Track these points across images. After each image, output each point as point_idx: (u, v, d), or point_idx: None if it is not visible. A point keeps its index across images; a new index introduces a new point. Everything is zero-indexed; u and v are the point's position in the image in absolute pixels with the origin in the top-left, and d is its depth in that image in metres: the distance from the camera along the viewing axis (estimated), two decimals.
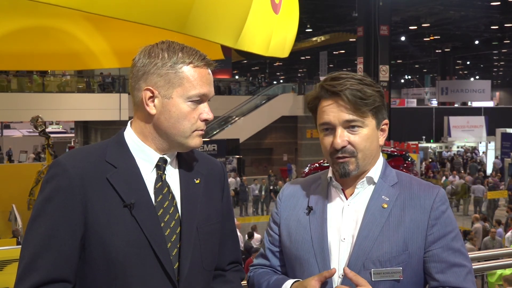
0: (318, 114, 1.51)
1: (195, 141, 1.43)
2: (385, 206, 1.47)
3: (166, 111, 1.38)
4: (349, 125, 1.45)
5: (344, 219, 1.49)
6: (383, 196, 1.49)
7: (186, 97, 1.38)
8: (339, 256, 1.47)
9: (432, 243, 1.45)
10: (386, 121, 1.52)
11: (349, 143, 1.45)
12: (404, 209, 1.47)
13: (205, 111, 1.42)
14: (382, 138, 1.52)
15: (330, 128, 1.48)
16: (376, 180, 1.52)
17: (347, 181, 1.52)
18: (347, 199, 1.52)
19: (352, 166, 1.47)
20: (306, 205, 1.57)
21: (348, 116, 1.44)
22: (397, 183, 1.52)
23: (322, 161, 18.68)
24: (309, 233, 1.51)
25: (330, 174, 1.56)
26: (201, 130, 1.43)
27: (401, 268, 1.42)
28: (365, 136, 1.46)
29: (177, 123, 1.39)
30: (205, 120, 1.43)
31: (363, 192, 1.52)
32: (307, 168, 18.71)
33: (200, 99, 1.41)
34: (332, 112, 1.46)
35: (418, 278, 1.47)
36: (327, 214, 1.51)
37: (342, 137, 1.45)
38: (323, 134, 1.50)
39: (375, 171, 1.53)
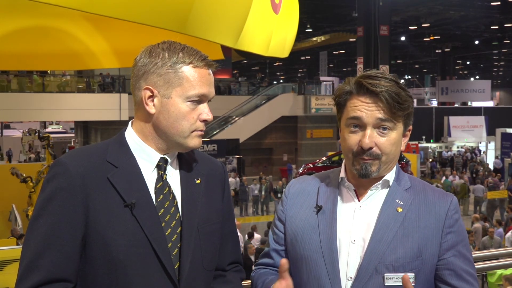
0: (348, 108, 1.46)
1: (194, 142, 1.42)
2: (400, 210, 1.46)
3: (165, 111, 1.38)
4: (380, 125, 1.42)
5: (356, 220, 1.47)
6: (397, 200, 1.47)
7: (185, 97, 1.38)
8: (348, 258, 1.45)
9: (446, 250, 1.44)
10: (411, 127, 1.51)
11: (376, 145, 1.43)
12: (419, 215, 1.46)
13: (205, 111, 1.42)
14: (403, 144, 1.51)
15: (359, 126, 1.44)
16: (390, 184, 1.50)
17: (360, 182, 1.50)
18: (359, 200, 1.50)
19: (374, 167, 1.44)
20: (315, 203, 1.54)
21: (381, 116, 1.41)
22: (411, 187, 1.51)
23: (317, 161, 18.76)
24: (318, 232, 1.48)
25: (342, 174, 1.54)
26: (200, 130, 1.43)
27: (414, 274, 1.40)
28: (393, 140, 1.44)
29: (176, 123, 1.39)
30: (205, 121, 1.42)
31: (376, 195, 1.50)
32: (301, 168, 18.77)
33: (200, 100, 1.40)
34: (366, 109, 1.42)
35: (429, 285, 1.46)
36: (337, 215, 1.49)
37: (371, 137, 1.42)
38: (348, 130, 1.46)
39: (391, 175, 1.51)
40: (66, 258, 1.31)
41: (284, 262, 1.42)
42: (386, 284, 1.39)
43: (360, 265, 1.42)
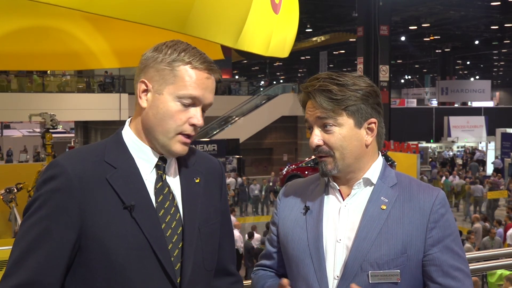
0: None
1: (176, 146, 1.38)
2: (384, 207, 1.46)
3: (154, 106, 1.37)
4: (322, 123, 1.46)
5: (341, 220, 1.48)
6: (382, 198, 1.48)
7: (175, 96, 1.36)
8: (335, 257, 1.46)
9: (431, 246, 1.44)
10: (373, 119, 1.49)
11: (325, 143, 1.46)
12: (403, 211, 1.46)
13: (195, 115, 1.38)
14: (369, 137, 1.49)
15: (311, 128, 1.50)
16: (374, 181, 1.50)
17: (343, 181, 1.52)
18: (344, 199, 1.51)
19: (330, 165, 1.47)
20: (304, 205, 1.56)
21: (319, 113, 1.45)
22: (397, 184, 1.51)
23: (301, 162, 18.86)
24: (305, 233, 1.51)
25: None
26: (187, 135, 1.38)
27: (399, 271, 1.41)
28: (340, 135, 1.45)
29: (162, 121, 1.36)
30: (193, 125, 1.38)
31: (360, 193, 1.50)
32: (285, 169, 18.89)
33: (193, 102, 1.37)
34: (309, 111, 1.49)
35: (416, 281, 1.46)
36: (323, 214, 1.50)
37: (317, 136, 1.47)
38: (308, 132, 1.53)
39: (373, 172, 1.51)
40: (53, 261, 1.28)
41: (285, 282, 1.46)
42: (370, 282, 1.40)
43: (345, 263, 1.43)
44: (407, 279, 1.42)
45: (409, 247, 1.43)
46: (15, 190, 7.35)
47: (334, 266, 1.45)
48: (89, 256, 1.31)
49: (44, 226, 1.28)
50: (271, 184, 18.81)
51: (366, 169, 1.51)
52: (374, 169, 1.52)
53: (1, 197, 7.24)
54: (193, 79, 1.36)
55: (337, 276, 1.44)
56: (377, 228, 1.43)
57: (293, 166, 19.08)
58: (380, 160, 1.55)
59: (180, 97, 1.36)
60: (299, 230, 1.53)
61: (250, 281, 1.72)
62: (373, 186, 1.50)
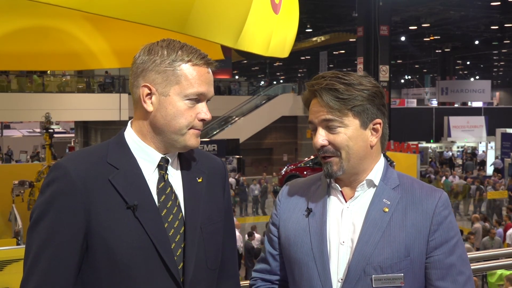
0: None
1: (191, 140, 1.41)
2: (386, 210, 1.44)
3: (162, 109, 1.37)
4: (327, 125, 1.44)
5: (343, 222, 1.47)
6: (384, 200, 1.46)
7: (183, 95, 1.37)
8: (338, 259, 1.44)
9: (434, 248, 1.43)
10: (378, 120, 1.47)
11: (330, 143, 1.44)
12: (405, 214, 1.44)
13: (203, 111, 1.41)
14: (374, 138, 1.47)
15: (315, 128, 1.47)
16: (376, 183, 1.48)
17: (346, 183, 1.50)
18: (346, 201, 1.49)
19: (335, 166, 1.45)
20: (306, 206, 1.54)
21: (324, 115, 1.43)
22: (399, 185, 1.49)
23: (300, 162, 18.90)
24: (309, 235, 1.49)
25: None
26: (198, 129, 1.42)
27: (402, 274, 1.39)
28: (346, 136, 1.43)
29: (173, 121, 1.37)
30: (203, 120, 1.41)
31: (363, 195, 1.49)
32: (284, 169, 18.93)
33: (198, 98, 1.39)
34: (313, 111, 1.46)
35: (419, 284, 1.44)
36: (327, 216, 1.49)
37: (321, 136, 1.44)
38: (312, 133, 1.50)
39: (376, 174, 1.49)
40: (64, 264, 1.30)
41: None
42: (374, 286, 1.39)
43: (348, 266, 1.42)
44: (410, 282, 1.41)
45: (412, 250, 1.41)
46: (27, 185, 7.35)
47: (337, 269, 1.44)
48: (94, 256, 1.32)
49: (52, 230, 1.30)
50: (265, 184, 18.80)
51: (369, 171, 1.49)
52: (377, 170, 1.50)
53: (12, 187, 7.27)
54: (196, 76, 1.38)
55: (341, 279, 1.43)
56: (380, 232, 1.42)
57: (292, 166, 19.13)
58: (382, 161, 1.53)
59: (187, 95, 1.37)
60: (301, 232, 1.51)
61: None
62: (375, 188, 1.49)
